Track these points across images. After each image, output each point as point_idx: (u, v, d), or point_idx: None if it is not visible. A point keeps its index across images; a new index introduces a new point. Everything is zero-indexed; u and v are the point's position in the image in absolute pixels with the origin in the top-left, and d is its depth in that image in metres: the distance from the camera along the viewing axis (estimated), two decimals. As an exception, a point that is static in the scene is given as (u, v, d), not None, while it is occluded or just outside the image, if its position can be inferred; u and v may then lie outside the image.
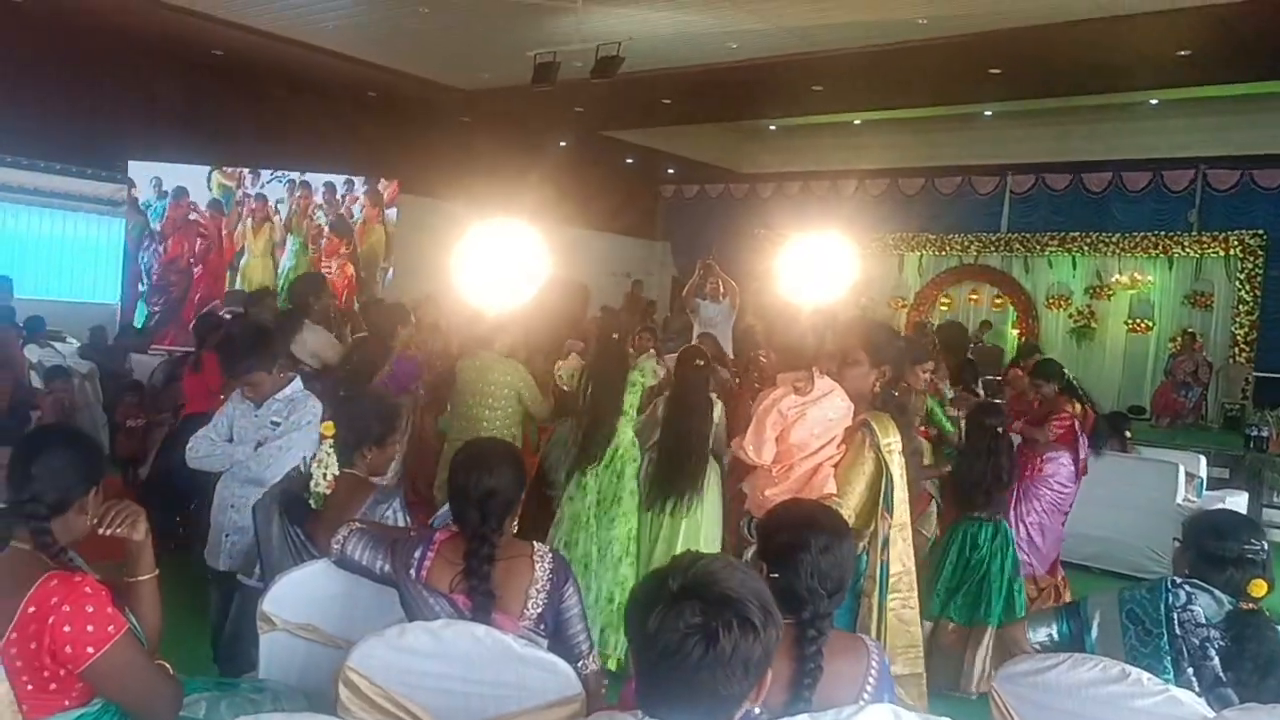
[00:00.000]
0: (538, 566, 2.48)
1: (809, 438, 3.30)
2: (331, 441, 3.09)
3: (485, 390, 5.15)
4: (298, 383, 3.90)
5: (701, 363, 4.56)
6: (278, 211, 11.44)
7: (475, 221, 5.39)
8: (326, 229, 11.53)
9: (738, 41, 9.94)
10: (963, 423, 5.27)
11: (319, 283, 6.39)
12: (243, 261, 11.35)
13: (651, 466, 4.58)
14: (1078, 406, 6.35)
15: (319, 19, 9.98)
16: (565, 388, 5.06)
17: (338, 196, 11.59)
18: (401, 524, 3.02)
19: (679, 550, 4.41)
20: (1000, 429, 5.03)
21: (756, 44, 9.97)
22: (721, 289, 8.89)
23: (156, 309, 11.06)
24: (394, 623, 2.36)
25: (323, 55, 11.09)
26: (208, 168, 11.23)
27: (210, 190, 11.31)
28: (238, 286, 10.82)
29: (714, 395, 4.67)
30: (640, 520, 4.59)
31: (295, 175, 11.44)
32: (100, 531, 2.21)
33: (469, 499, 2.47)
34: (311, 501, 3.05)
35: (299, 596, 2.70)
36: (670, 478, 4.46)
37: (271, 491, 3.15)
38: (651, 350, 5.49)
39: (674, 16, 9.25)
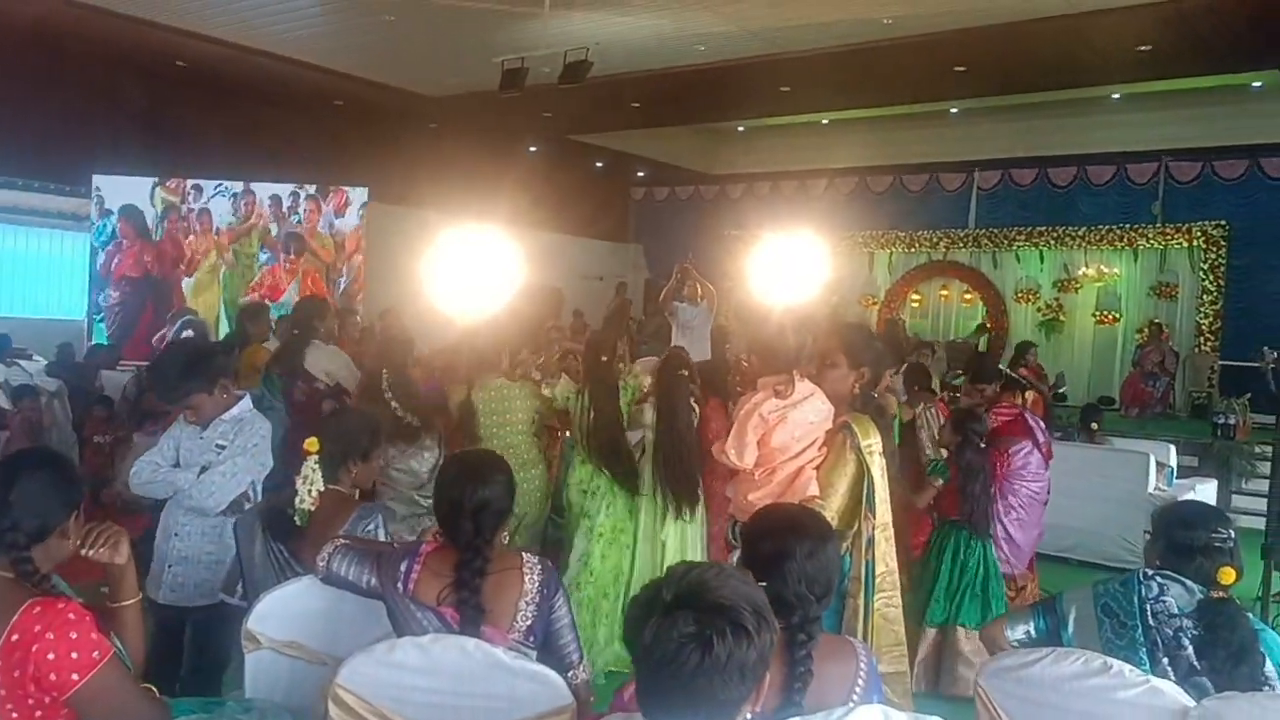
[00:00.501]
0: (527, 579, 2.48)
1: (790, 441, 3.33)
2: (316, 458, 3.08)
3: (508, 419, 5.05)
4: (246, 402, 3.68)
5: (685, 371, 4.60)
6: (222, 226, 11.30)
7: (446, 228, 5.36)
8: (281, 242, 11.43)
9: (705, 44, 9.98)
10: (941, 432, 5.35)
11: (322, 306, 6.33)
12: (191, 278, 11.22)
13: (651, 474, 4.70)
14: (1023, 396, 6.41)
15: (284, 29, 9.92)
16: (561, 408, 5.05)
17: (283, 209, 11.47)
18: (384, 539, 3.01)
19: (673, 556, 4.54)
20: (984, 436, 5.10)
21: (724, 46, 10.01)
22: (700, 291, 8.93)
23: (113, 325, 10.96)
24: (380, 638, 2.37)
25: (289, 64, 11.03)
26: (152, 181, 11.13)
27: (154, 205, 11.16)
28: (189, 303, 10.70)
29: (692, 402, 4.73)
30: (635, 527, 4.72)
31: (239, 187, 11.30)
32: (83, 554, 2.20)
33: (462, 511, 2.46)
34: (296, 518, 3.04)
35: (284, 614, 2.69)
36: (675, 485, 4.59)
37: (254, 509, 3.13)
38: (635, 368, 5.55)
39: (641, 20, 9.27)
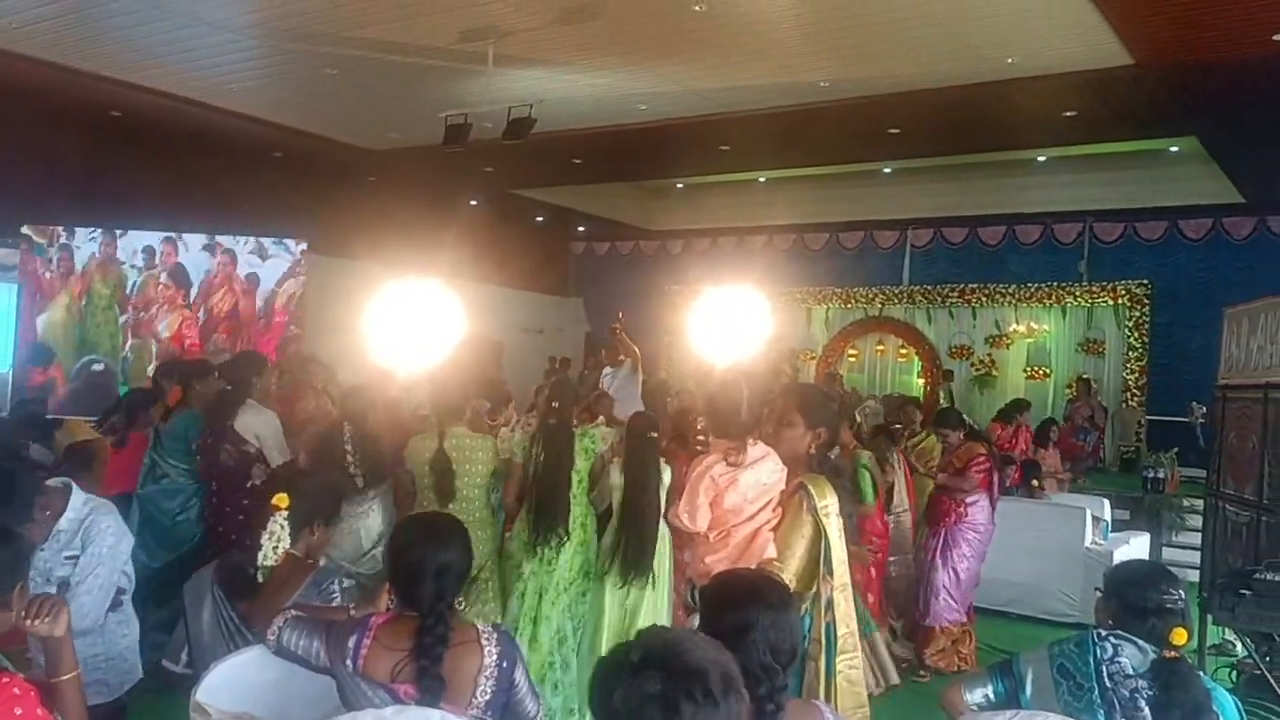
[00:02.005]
0: (486, 652, 2.40)
1: (743, 503, 3.32)
2: (286, 514, 2.97)
3: (468, 469, 4.88)
4: (76, 496, 3.31)
5: (654, 434, 4.54)
6: (86, 271, 10.97)
7: (386, 280, 5.30)
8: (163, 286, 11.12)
9: (647, 103, 10.12)
10: None
11: (260, 362, 6.01)
12: (43, 317, 10.84)
13: (612, 537, 4.55)
14: (990, 447, 6.59)
15: (223, 80, 9.83)
16: (511, 458, 4.91)
17: (157, 258, 11.15)
18: (341, 602, 2.91)
19: (643, 622, 4.41)
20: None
21: (665, 106, 10.16)
22: (621, 353, 8.91)
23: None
24: (332, 712, 2.27)
25: (227, 116, 10.91)
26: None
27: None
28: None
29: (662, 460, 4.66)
30: (601, 591, 4.58)
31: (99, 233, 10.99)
32: (26, 625, 2.10)
33: (424, 575, 2.39)
34: (259, 575, 2.92)
35: (234, 684, 2.59)
36: (633, 551, 4.45)
37: (205, 569, 3.00)
38: (600, 419, 5.47)
39: (584, 79, 9.38)
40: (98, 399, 9.33)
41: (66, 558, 3.23)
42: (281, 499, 3.02)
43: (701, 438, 3.99)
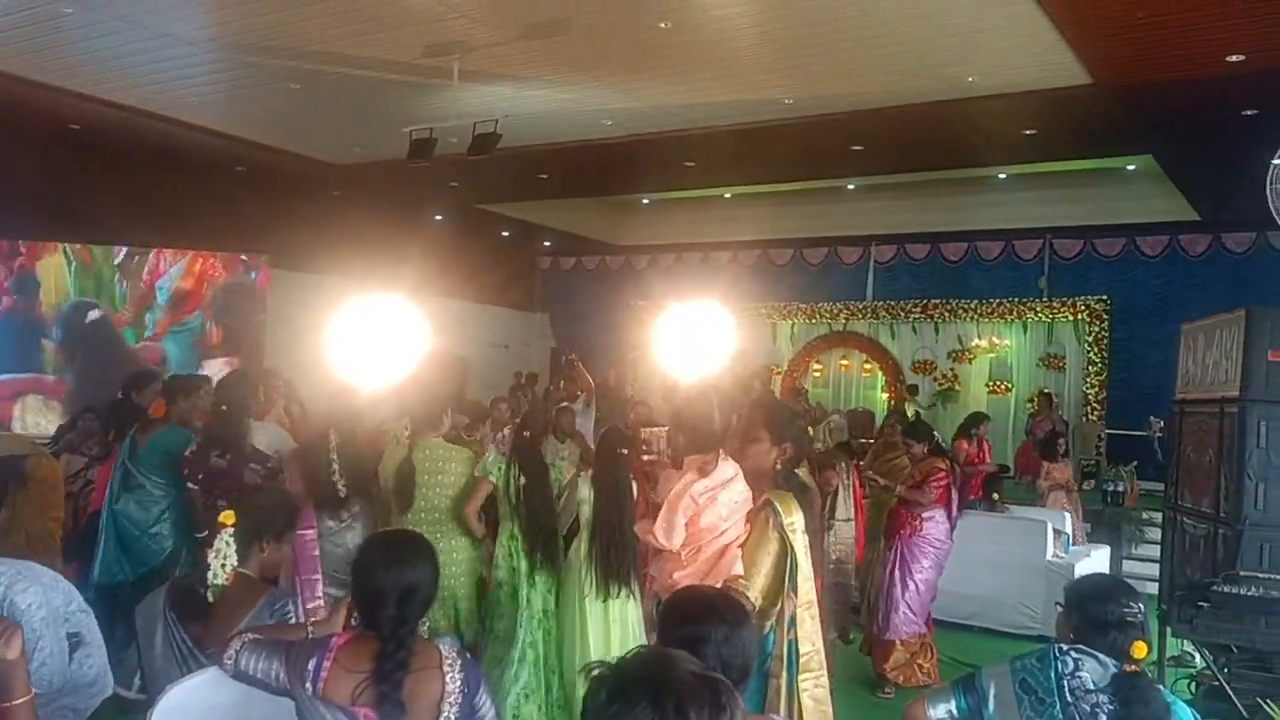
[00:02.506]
0: (449, 678, 2.34)
1: (718, 520, 3.32)
2: (232, 531, 2.91)
3: (440, 479, 4.82)
4: None
5: (624, 451, 4.56)
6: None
7: (350, 295, 5.25)
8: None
9: (612, 119, 10.14)
10: None
11: (252, 381, 5.94)
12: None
13: (585, 548, 4.58)
14: (948, 462, 6.63)
15: (184, 94, 9.73)
16: (491, 481, 4.89)
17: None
18: (300, 621, 2.86)
19: (617, 636, 4.46)
20: None
21: (630, 122, 10.19)
22: (578, 386, 8.95)
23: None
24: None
25: (188, 129, 10.80)
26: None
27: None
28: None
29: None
30: (573, 607, 4.60)
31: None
32: None
33: (387, 598, 2.33)
34: (209, 595, 2.85)
35: (189, 708, 2.53)
36: (610, 564, 4.48)
37: (156, 592, 2.93)
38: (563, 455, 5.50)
39: (550, 95, 9.39)
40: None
41: None
42: (228, 515, 2.96)
43: (649, 455, 3.98)
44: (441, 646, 2.47)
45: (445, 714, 2.31)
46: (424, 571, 2.42)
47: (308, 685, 2.32)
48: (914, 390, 15.02)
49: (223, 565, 2.88)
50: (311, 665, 2.33)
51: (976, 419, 9.86)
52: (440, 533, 4.63)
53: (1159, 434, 7.66)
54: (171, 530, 5.31)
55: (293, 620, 2.89)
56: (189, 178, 12.23)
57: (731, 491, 3.35)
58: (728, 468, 3.40)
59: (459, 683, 2.34)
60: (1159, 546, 7.42)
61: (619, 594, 4.50)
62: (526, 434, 4.88)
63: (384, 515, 4.90)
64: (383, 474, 4.86)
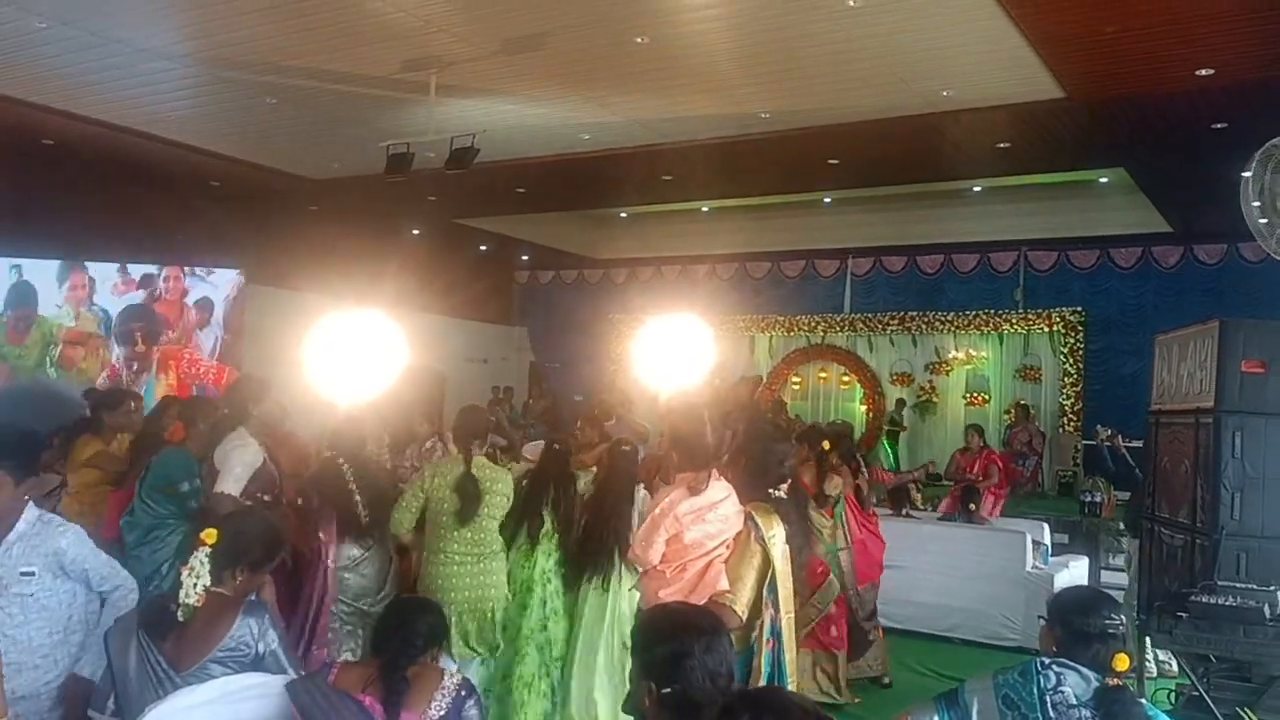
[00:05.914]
0: (446, 675, 2.60)
1: (704, 538, 3.32)
2: (209, 550, 2.86)
3: (493, 501, 4.76)
4: (30, 510, 3.15)
5: (628, 448, 4.73)
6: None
7: (328, 311, 5.20)
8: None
9: (590, 133, 10.15)
10: None
11: (262, 388, 5.45)
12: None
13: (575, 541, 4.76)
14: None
15: (158, 109, 9.66)
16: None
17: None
18: (276, 639, 2.84)
19: (598, 623, 4.58)
20: None
21: (608, 136, 10.20)
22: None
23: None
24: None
25: (162, 144, 10.70)
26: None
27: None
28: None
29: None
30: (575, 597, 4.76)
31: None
32: None
33: (397, 666, 2.59)
34: (180, 614, 2.80)
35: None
36: (590, 554, 4.64)
37: (129, 614, 2.88)
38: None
39: (527, 109, 9.39)
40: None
41: (23, 574, 3.06)
42: (210, 534, 2.90)
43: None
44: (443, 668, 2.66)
45: (437, 702, 2.54)
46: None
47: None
48: (901, 404, 15.11)
49: (195, 584, 2.82)
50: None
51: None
52: (481, 552, 4.65)
53: (1106, 442, 7.70)
54: (151, 555, 5.22)
55: (275, 639, 2.85)
56: (164, 193, 12.11)
57: (720, 510, 3.35)
58: (719, 488, 3.40)
59: (455, 682, 2.60)
60: (1122, 555, 7.45)
61: (594, 583, 4.63)
62: (556, 446, 5.07)
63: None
64: (429, 491, 4.74)
